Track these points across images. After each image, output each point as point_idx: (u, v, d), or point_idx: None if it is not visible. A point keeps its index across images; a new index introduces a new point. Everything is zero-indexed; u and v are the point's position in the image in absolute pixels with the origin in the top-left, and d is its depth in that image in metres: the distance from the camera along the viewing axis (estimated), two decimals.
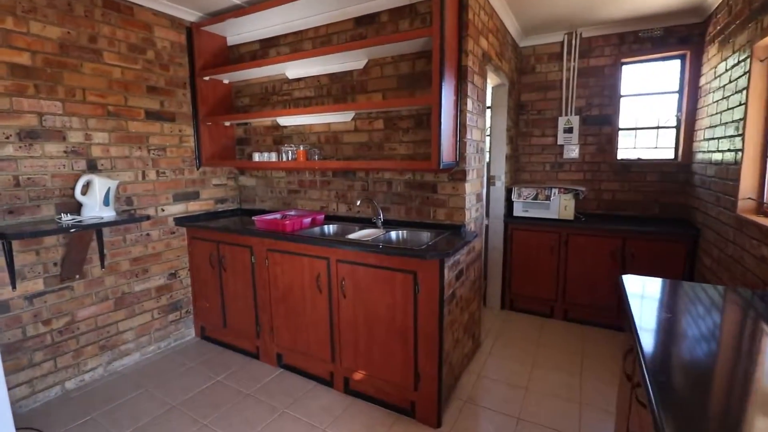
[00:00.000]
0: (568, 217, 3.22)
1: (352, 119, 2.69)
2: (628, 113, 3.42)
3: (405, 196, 2.57)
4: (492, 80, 3.06)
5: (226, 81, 3.18)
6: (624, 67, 3.36)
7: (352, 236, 2.39)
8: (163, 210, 2.84)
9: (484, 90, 2.60)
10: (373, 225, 2.58)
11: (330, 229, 2.70)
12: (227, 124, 3.23)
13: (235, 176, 3.38)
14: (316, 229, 2.62)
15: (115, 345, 2.62)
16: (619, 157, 3.45)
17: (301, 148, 2.71)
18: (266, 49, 3.00)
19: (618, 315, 3.09)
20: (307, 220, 2.63)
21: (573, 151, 3.54)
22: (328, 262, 2.24)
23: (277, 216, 2.81)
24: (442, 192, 2.42)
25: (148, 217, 2.52)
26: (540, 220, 3.30)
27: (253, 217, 2.68)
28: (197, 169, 3.06)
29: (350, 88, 2.68)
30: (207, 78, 2.98)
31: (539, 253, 3.33)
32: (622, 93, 3.38)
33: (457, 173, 2.35)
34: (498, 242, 3.48)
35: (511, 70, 3.38)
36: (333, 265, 2.23)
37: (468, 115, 2.31)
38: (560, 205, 3.23)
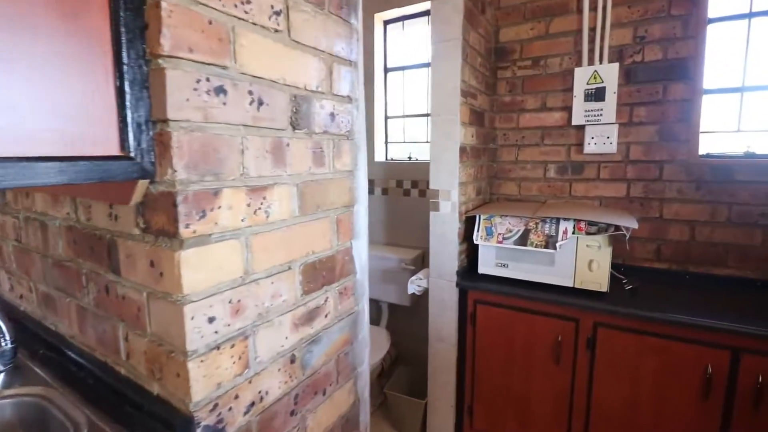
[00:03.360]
0: (597, 286, 1.42)
1: None
2: (725, 58, 1.62)
3: (76, 273, 0.80)
4: None
5: None
6: None
7: None
8: None
9: None
10: None
11: None
12: None
13: None
14: None
15: None
16: (703, 150, 1.65)
17: None
18: None
19: None
20: None
21: (604, 140, 1.74)
22: None
23: None
24: (130, 276, 0.65)
25: None
26: (533, 287, 1.51)
27: None
28: None
29: None
30: None
31: (533, 358, 1.54)
32: (711, 15, 1.58)
33: (156, 203, 0.57)
34: (448, 328, 1.70)
35: None
36: None
37: None
38: (578, 258, 1.43)
